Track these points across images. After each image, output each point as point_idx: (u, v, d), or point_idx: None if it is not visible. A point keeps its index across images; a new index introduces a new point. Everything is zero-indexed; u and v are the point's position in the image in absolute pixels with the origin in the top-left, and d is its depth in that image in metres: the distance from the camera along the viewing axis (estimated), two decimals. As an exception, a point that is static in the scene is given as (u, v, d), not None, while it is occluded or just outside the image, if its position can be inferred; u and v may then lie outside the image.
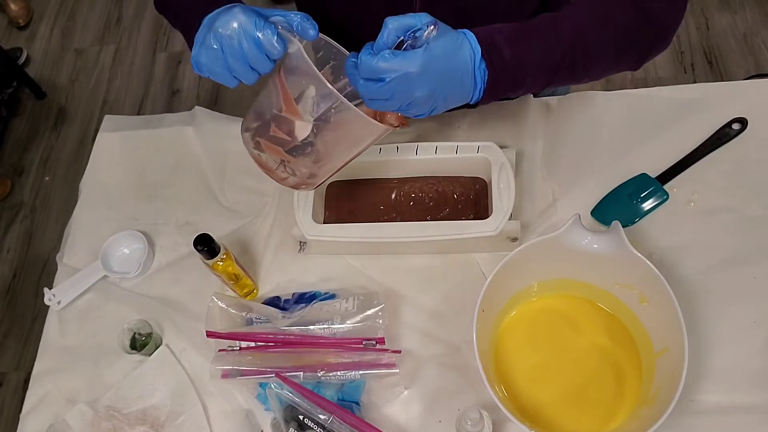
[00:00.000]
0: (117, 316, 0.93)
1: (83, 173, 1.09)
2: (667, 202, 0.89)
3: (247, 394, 0.84)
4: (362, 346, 0.80)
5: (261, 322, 0.85)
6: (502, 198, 0.84)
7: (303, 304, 0.86)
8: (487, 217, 0.84)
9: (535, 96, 1.00)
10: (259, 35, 0.62)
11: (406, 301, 0.88)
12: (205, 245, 0.79)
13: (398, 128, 0.71)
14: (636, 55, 0.74)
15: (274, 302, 0.89)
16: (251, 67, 0.64)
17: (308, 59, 0.63)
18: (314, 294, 0.89)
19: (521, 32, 0.66)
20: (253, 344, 0.83)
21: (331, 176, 0.77)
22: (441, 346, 0.85)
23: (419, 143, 0.92)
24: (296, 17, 0.64)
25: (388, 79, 0.60)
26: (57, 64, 2.43)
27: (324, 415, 0.75)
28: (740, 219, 0.87)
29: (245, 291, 0.90)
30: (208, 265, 0.82)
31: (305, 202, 0.88)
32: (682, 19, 0.74)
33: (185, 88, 2.28)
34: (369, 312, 0.81)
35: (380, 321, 0.81)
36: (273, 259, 0.94)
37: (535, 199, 0.92)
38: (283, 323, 0.83)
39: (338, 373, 0.79)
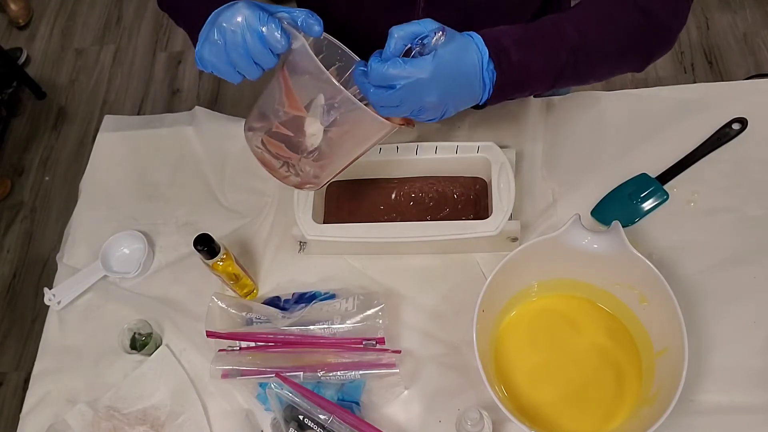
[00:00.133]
0: (117, 316, 0.93)
1: (83, 173, 1.09)
2: (667, 202, 0.89)
3: (247, 394, 0.84)
4: (362, 346, 0.80)
5: (261, 322, 0.85)
6: (502, 198, 0.84)
7: (303, 304, 0.86)
8: (487, 217, 0.84)
9: (535, 96, 1.00)
10: (263, 29, 0.62)
11: (406, 301, 0.88)
12: (205, 245, 0.79)
13: (404, 126, 0.71)
14: (640, 56, 0.74)
15: (274, 302, 0.89)
16: (255, 62, 0.64)
17: (312, 55, 0.62)
18: (314, 294, 0.89)
19: (527, 35, 0.66)
20: (253, 344, 0.83)
21: (333, 177, 0.77)
22: (441, 346, 0.85)
23: (419, 143, 0.92)
24: (301, 13, 0.64)
25: (398, 86, 0.61)
26: (57, 64, 2.43)
27: (324, 415, 0.75)
28: (740, 219, 0.87)
29: (245, 291, 0.90)
30: (208, 265, 0.82)
31: (305, 202, 0.88)
32: (685, 22, 0.74)
33: (185, 88, 2.28)
34: (369, 312, 0.81)
35: (380, 321, 0.81)
36: (273, 259, 0.94)
37: (535, 199, 0.92)
38: (283, 323, 0.83)
39: (338, 373, 0.79)
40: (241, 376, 0.82)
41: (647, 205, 0.89)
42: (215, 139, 1.06)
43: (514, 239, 0.87)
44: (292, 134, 0.70)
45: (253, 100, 0.74)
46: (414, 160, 0.92)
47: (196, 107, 1.10)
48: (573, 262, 0.78)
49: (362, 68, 0.64)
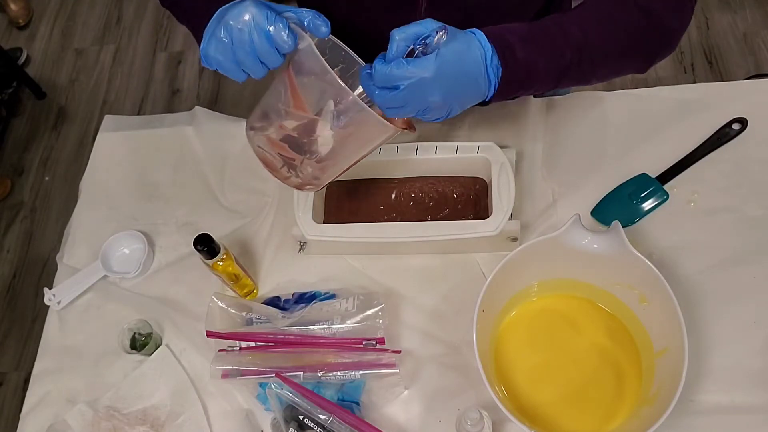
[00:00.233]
0: (117, 316, 0.93)
1: (83, 173, 1.09)
2: (667, 202, 0.89)
3: (247, 394, 0.84)
4: (362, 346, 0.80)
5: (261, 322, 0.85)
6: (502, 198, 0.84)
7: (303, 304, 0.86)
8: (487, 217, 0.84)
9: (535, 96, 1.00)
10: (271, 29, 0.62)
11: (406, 301, 0.88)
12: (205, 245, 0.79)
13: (406, 130, 0.72)
14: (642, 57, 0.74)
15: (274, 302, 0.89)
16: (260, 61, 0.64)
17: (319, 55, 0.62)
18: (314, 294, 0.89)
19: (532, 33, 0.66)
20: (253, 344, 0.83)
21: (333, 178, 0.77)
22: (441, 346, 0.85)
23: (419, 143, 0.92)
24: (308, 14, 0.64)
25: (402, 86, 0.61)
26: (57, 64, 2.43)
27: (324, 415, 0.75)
28: (740, 219, 0.87)
29: (245, 291, 0.90)
30: (208, 265, 0.82)
31: (305, 202, 0.88)
32: (688, 23, 0.74)
33: (185, 88, 2.28)
34: (369, 312, 0.81)
35: (380, 321, 0.81)
36: (273, 259, 0.94)
37: (535, 199, 0.92)
38: (283, 323, 0.83)
39: (338, 373, 0.79)
40: (241, 376, 0.82)
41: (647, 205, 0.89)
42: (215, 139, 1.06)
43: (514, 239, 0.87)
44: (296, 135, 0.70)
45: (254, 100, 0.74)
46: (414, 160, 0.92)
47: (196, 107, 1.10)
48: (573, 262, 0.78)
49: (368, 71, 0.64)
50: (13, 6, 2.47)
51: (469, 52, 0.63)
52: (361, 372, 0.79)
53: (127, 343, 0.88)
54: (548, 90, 0.71)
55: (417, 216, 0.92)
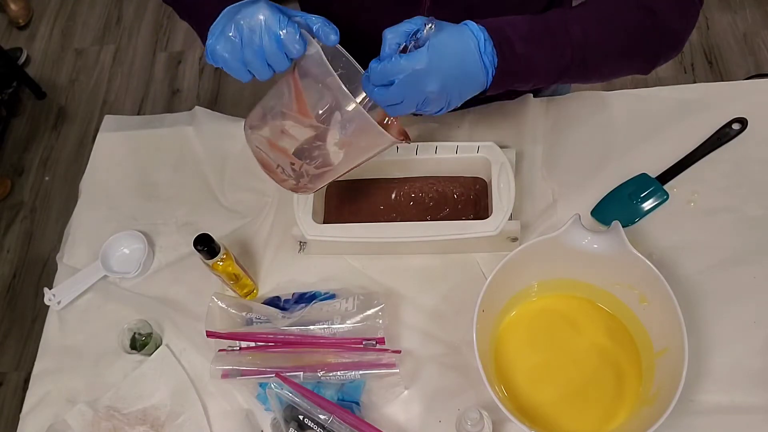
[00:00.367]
0: (117, 316, 0.93)
1: (83, 173, 1.09)
2: (667, 202, 0.89)
3: (247, 394, 0.84)
4: (362, 346, 0.80)
5: (261, 322, 0.85)
6: (502, 198, 0.84)
7: (303, 304, 0.86)
8: (487, 217, 0.84)
9: (535, 96, 1.00)
10: (282, 33, 0.62)
11: (406, 301, 0.88)
12: (205, 245, 0.79)
13: (404, 141, 0.73)
14: (644, 57, 0.73)
15: (274, 302, 0.89)
16: (268, 64, 0.65)
17: (327, 63, 0.63)
18: (314, 294, 0.89)
19: (532, 28, 0.66)
20: (253, 344, 0.83)
21: (327, 183, 0.78)
22: (441, 346, 0.85)
23: (419, 143, 0.92)
24: (317, 20, 0.65)
25: (397, 81, 0.61)
26: (57, 64, 2.43)
27: (324, 415, 0.75)
28: (740, 219, 0.87)
29: (245, 291, 0.90)
30: (208, 265, 0.82)
31: (305, 202, 0.88)
32: (693, 26, 0.74)
33: (185, 88, 2.28)
34: (369, 312, 0.81)
35: (380, 321, 0.81)
36: (273, 259, 0.94)
37: (535, 199, 0.92)
38: (283, 323, 0.83)
39: (338, 373, 0.79)
40: (241, 376, 0.82)
41: (647, 205, 0.89)
42: (215, 139, 1.06)
43: (514, 239, 0.87)
44: (296, 138, 0.70)
45: (254, 100, 0.74)
46: (414, 160, 0.92)
47: (196, 107, 1.10)
48: (573, 262, 0.78)
49: (367, 73, 0.65)
50: (13, 6, 2.47)
51: (460, 41, 0.63)
52: (361, 372, 0.79)
53: (127, 343, 0.88)
54: (549, 85, 0.71)
55: (417, 216, 0.92)
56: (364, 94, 0.68)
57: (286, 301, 0.89)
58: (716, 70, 1.97)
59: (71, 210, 1.06)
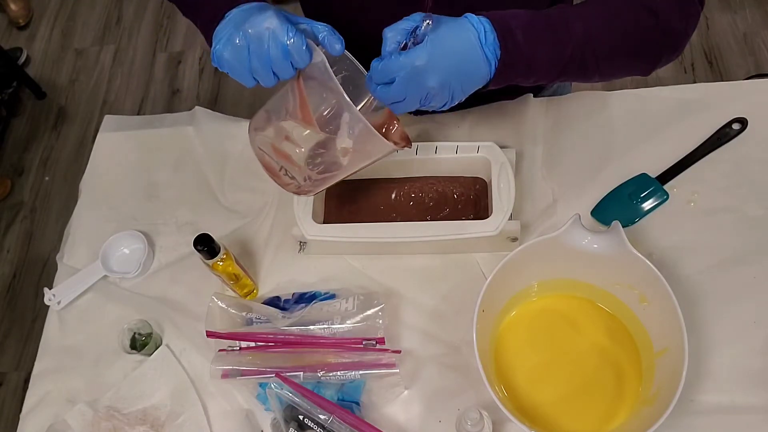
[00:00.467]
0: (117, 316, 0.93)
1: (83, 173, 1.09)
2: (667, 202, 0.89)
3: (247, 394, 0.84)
4: (362, 346, 0.80)
5: (261, 322, 0.85)
6: (502, 198, 0.84)
7: (303, 304, 0.86)
8: (487, 217, 0.84)
9: (535, 96, 1.00)
10: (289, 43, 0.63)
11: (406, 301, 0.88)
12: (205, 245, 0.79)
13: (406, 147, 0.74)
14: (647, 58, 0.73)
15: (274, 302, 0.89)
16: (273, 72, 0.65)
17: (331, 72, 0.63)
18: (314, 294, 0.89)
19: (534, 22, 0.66)
20: (253, 344, 0.83)
21: (327, 186, 0.78)
22: (441, 346, 0.85)
23: (419, 143, 0.92)
24: (324, 29, 0.66)
25: (398, 79, 0.62)
26: (57, 64, 2.43)
27: (324, 415, 0.75)
28: (740, 219, 0.87)
29: (245, 291, 0.90)
30: (208, 265, 0.82)
31: (305, 202, 0.88)
32: (694, 27, 0.74)
33: (185, 88, 2.28)
34: (369, 312, 0.81)
35: (380, 321, 0.81)
36: (273, 259, 0.94)
37: (535, 199, 0.92)
38: (283, 323, 0.83)
39: (338, 373, 0.79)
40: (241, 376, 0.82)
41: (647, 205, 0.89)
42: (215, 139, 1.06)
43: (514, 239, 0.87)
44: (299, 144, 0.70)
45: (254, 100, 0.75)
46: (414, 160, 0.92)
47: (196, 107, 1.10)
48: (573, 262, 0.78)
49: (369, 73, 0.65)
50: (13, 6, 2.47)
51: (460, 34, 0.63)
52: (361, 372, 0.79)
53: (127, 343, 0.88)
54: (551, 81, 0.71)
55: (417, 216, 0.92)
56: (365, 99, 0.69)
57: (286, 301, 0.89)
58: (716, 70, 1.97)
59: (71, 210, 1.06)
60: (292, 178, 0.74)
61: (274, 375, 0.79)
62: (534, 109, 0.98)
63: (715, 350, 0.79)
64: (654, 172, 0.91)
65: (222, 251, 0.81)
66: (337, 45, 0.66)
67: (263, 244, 0.96)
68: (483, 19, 0.64)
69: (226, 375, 0.82)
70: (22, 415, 0.89)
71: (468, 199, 0.92)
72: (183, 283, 0.95)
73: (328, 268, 0.92)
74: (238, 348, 0.83)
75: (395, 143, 0.71)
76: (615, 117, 0.97)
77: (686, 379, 0.67)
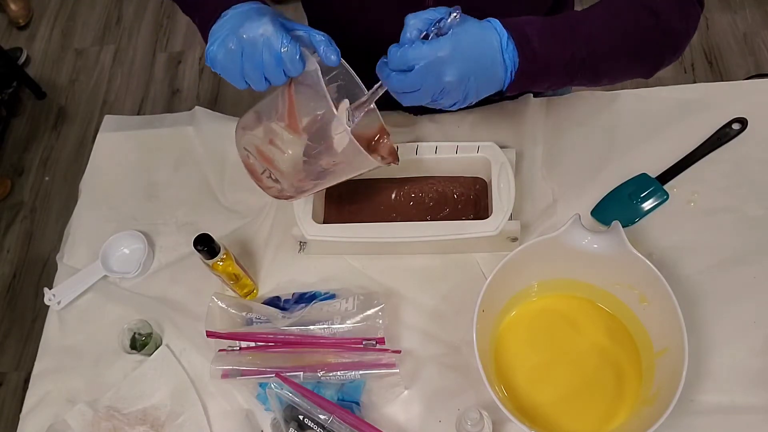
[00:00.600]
0: (117, 316, 0.93)
1: (83, 173, 1.09)
2: (667, 202, 0.89)
3: (247, 394, 0.84)
4: (362, 346, 0.80)
5: (261, 322, 0.85)
6: (502, 198, 0.84)
7: (303, 304, 0.86)
8: (487, 217, 0.84)
9: (535, 96, 1.00)
10: (282, 51, 0.63)
11: (406, 301, 0.88)
12: (205, 245, 0.79)
13: (391, 164, 0.73)
14: (649, 59, 0.74)
15: (274, 302, 0.89)
16: (265, 78, 0.65)
17: (323, 82, 0.63)
18: (314, 294, 0.89)
19: (546, 29, 0.66)
20: (253, 344, 0.83)
21: (311, 192, 0.78)
22: (441, 346, 0.85)
23: (419, 143, 0.92)
24: (321, 39, 0.65)
25: (417, 67, 0.60)
26: (57, 64, 2.43)
27: (324, 415, 0.75)
28: (740, 219, 0.87)
29: (245, 291, 0.90)
30: (208, 265, 0.82)
31: (305, 202, 0.88)
32: (695, 28, 0.74)
33: (185, 88, 2.28)
34: (369, 312, 0.81)
35: (380, 321, 0.81)
36: (273, 259, 0.94)
37: (535, 199, 0.92)
38: (283, 323, 0.83)
39: (338, 373, 0.79)
40: (241, 376, 0.82)
41: (647, 205, 0.89)
42: (215, 139, 1.06)
43: (514, 239, 0.87)
44: (283, 150, 0.70)
45: (253, 101, 0.75)
46: (414, 160, 0.92)
47: (196, 107, 1.10)
48: (573, 262, 0.78)
49: (384, 60, 0.64)
50: (13, 6, 2.47)
51: (484, 36, 0.62)
52: (361, 372, 0.79)
53: (127, 343, 0.88)
54: (560, 87, 0.71)
55: (417, 216, 0.92)
56: (352, 107, 0.68)
57: (286, 301, 0.89)
58: (716, 70, 1.97)
59: (71, 210, 1.06)
60: (275, 181, 0.74)
61: (274, 375, 0.79)
62: (534, 109, 0.98)
63: (715, 350, 0.79)
64: (654, 172, 0.91)
65: (222, 251, 0.81)
66: (333, 56, 0.65)
67: (263, 244, 0.96)
68: (503, 26, 0.63)
69: (226, 375, 0.82)
70: (22, 415, 0.89)
71: (468, 199, 0.92)
72: (183, 283, 0.95)
73: (328, 268, 0.92)
74: (238, 348, 0.83)
75: (382, 158, 0.71)
76: (615, 117, 0.97)
77: (686, 379, 0.67)
